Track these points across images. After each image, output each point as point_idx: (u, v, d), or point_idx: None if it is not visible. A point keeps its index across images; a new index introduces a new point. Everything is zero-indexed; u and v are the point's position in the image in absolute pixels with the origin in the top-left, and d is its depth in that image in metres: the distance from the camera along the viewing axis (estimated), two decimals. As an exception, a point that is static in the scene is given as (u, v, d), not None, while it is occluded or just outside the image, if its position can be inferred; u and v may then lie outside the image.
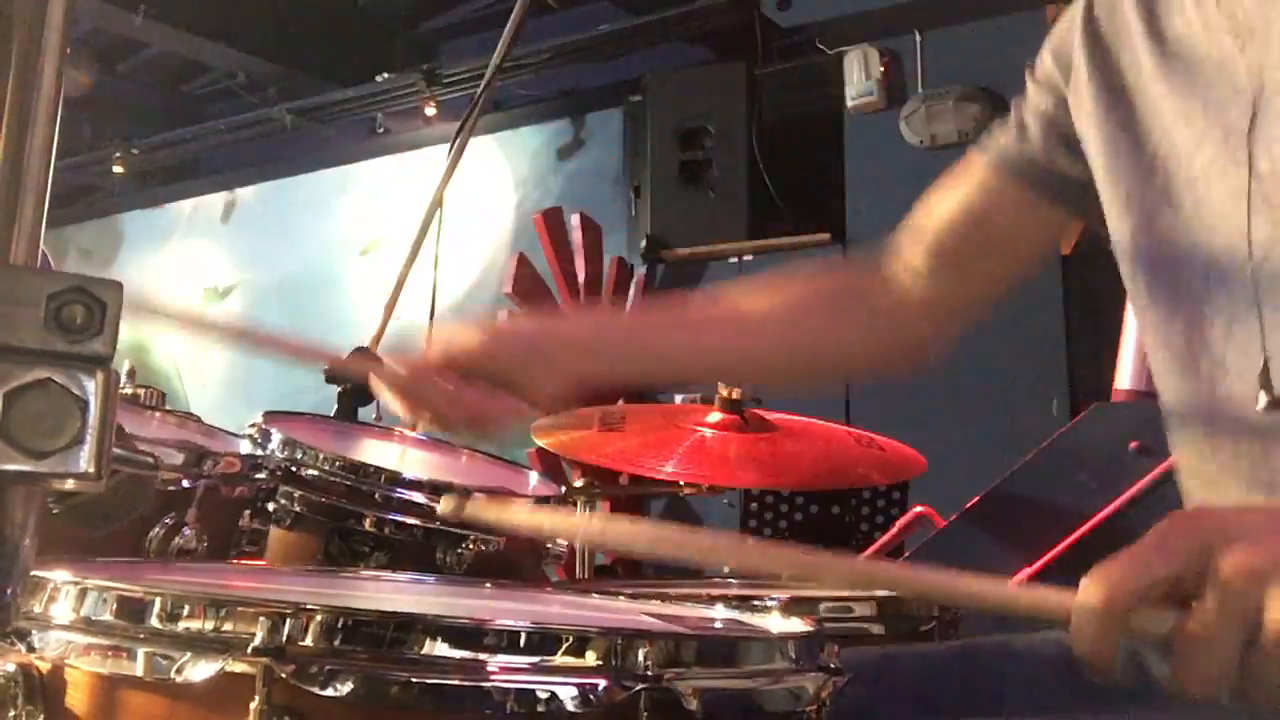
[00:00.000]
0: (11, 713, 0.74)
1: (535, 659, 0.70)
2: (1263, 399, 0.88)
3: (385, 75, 6.30)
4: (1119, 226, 1.02)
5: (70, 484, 0.51)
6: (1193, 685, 0.62)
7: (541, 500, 1.49)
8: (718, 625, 1.00)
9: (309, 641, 0.68)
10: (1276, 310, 0.89)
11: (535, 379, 1.06)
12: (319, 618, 0.68)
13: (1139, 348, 2.48)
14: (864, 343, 1.22)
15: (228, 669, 0.67)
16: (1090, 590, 0.62)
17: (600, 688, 0.68)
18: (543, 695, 0.68)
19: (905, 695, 1.01)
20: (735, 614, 1.02)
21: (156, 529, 1.13)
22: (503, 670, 0.69)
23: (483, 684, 0.69)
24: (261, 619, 0.68)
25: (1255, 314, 0.90)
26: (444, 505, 0.88)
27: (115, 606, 0.73)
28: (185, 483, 1.18)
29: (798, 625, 0.89)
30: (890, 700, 1.00)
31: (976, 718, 0.97)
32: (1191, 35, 0.96)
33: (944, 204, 1.17)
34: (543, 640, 0.71)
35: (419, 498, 1.35)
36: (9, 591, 0.52)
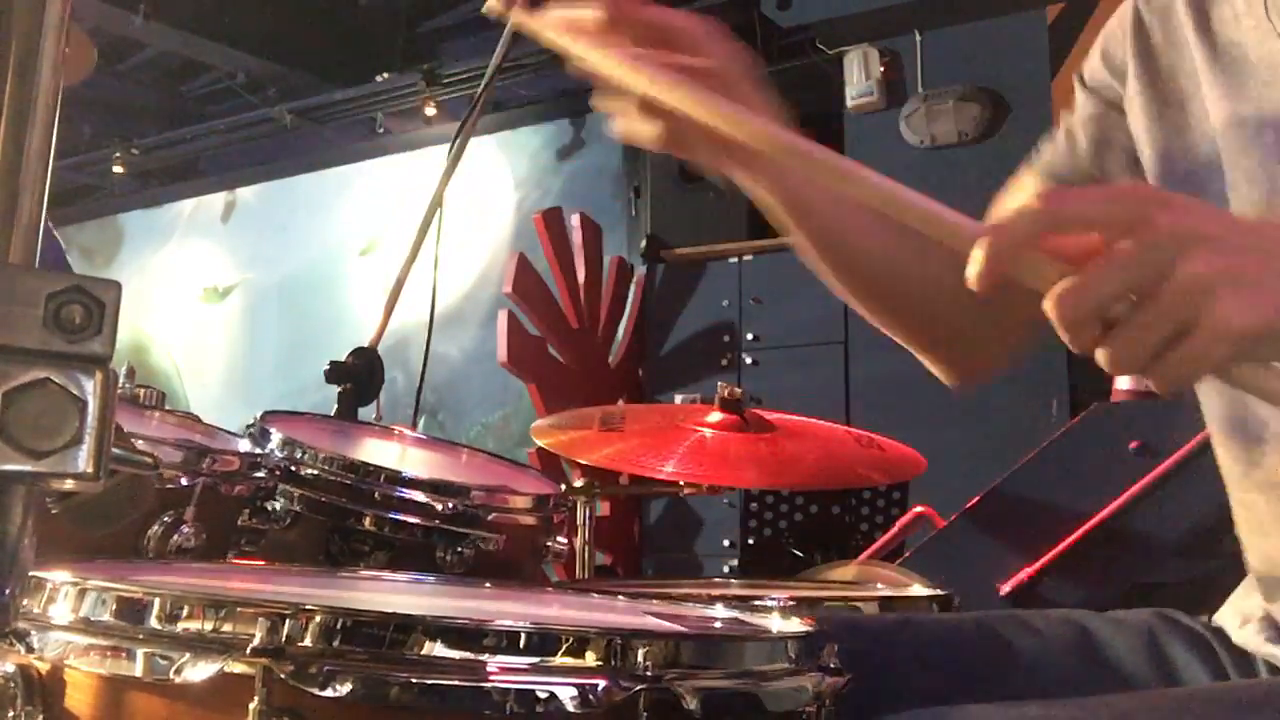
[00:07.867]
0: (10, 714, 0.74)
1: (535, 659, 0.70)
2: None
3: (385, 75, 6.30)
4: None
5: (69, 484, 0.51)
6: (1113, 361, 0.64)
7: (541, 500, 1.49)
8: (718, 625, 1.00)
9: (308, 642, 0.68)
10: None
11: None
12: (318, 618, 0.68)
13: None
14: (953, 293, 1.10)
15: (227, 669, 0.67)
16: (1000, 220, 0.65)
17: (600, 688, 0.68)
18: (542, 695, 0.68)
19: (918, 659, 1.01)
20: (735, 614, 1.02)
21: (155, 526, 1.12)
22: (502, 670, 0.69)
23: (482, 684, 0.68)
24: (261, 619, 0.68)
25: None
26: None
27: (115, 607, 0.72)
28: (184, 480, 1.17)
29: (798, 625, 0.89)
30: (902, 662, 1.00)
31: (987, 688, 0.97)
32: (1244, 39, 0.96)
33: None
34: (542, 640, 0.70)
35: (419, 497, 1.34)
36: (8, 592, 0.52)
